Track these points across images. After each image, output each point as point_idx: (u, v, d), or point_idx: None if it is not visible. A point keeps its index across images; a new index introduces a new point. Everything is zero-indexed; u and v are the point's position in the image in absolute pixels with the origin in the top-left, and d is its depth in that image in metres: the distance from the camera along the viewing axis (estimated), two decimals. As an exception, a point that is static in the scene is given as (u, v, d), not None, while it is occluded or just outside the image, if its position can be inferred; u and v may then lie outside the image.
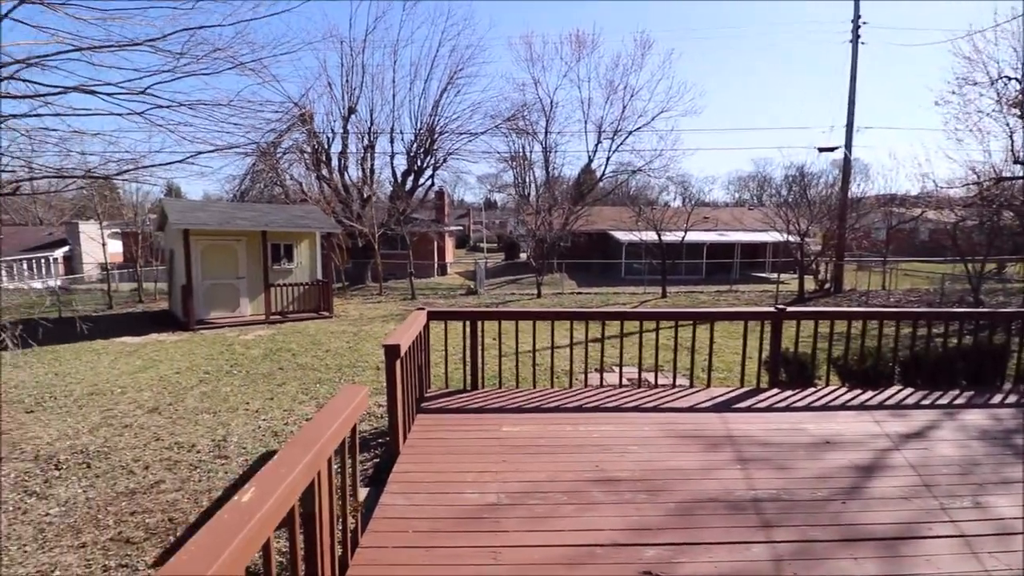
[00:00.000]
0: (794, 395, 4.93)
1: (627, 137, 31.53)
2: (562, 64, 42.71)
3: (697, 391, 5.07)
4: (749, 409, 4.62)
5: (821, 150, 19.28)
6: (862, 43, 18.79)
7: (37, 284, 21.26)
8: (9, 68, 4.73)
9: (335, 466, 2.25)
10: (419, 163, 26.38)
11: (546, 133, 31.63)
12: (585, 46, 31.96)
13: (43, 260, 26.21)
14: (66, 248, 27.79)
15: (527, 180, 34.75)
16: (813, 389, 5.09)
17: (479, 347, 5.24)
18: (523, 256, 35.01)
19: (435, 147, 26.30)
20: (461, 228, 48.59)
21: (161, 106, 4.78)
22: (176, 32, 4.74)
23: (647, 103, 41.83)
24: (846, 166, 19.38)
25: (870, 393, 4.93)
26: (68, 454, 5.27)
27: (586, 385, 5.42)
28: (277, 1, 5.04)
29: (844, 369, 5.52)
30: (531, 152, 33.10)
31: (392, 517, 2.96)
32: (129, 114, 4.71)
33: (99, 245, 19.52)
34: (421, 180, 26.96)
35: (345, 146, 25.21)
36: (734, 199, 62.91)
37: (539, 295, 19.22)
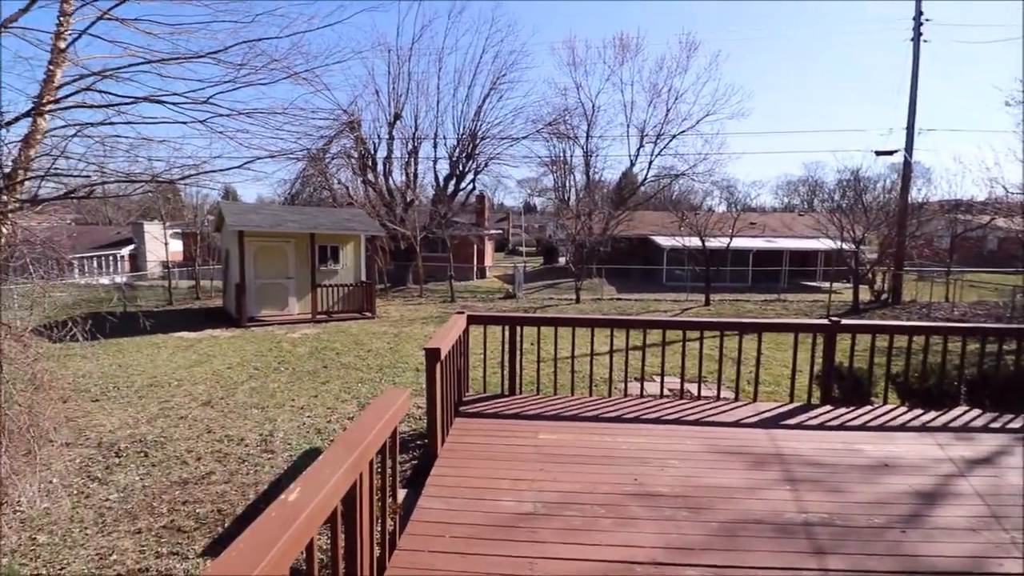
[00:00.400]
0: (848, 413, 4.68)
1: (670, 141, 30.89)
2: (605, 68, 42.24)
3: (743, 405, 4.89)
4: (799, 426, 4.42)
5: (879, 153, 18.34)
6: (924, 41, 17.80)
7: (105, 280, 22.72)
8: (87, 80, 5.07)
9: (376, 468, 2.28)
10: (461, 167, 26.72)
11: (587, 137, 31.41)
12: (629, 50, 31.55)
13: (111, 257, 28.00)
14: (132, 246, 29.61)
15: (567, 184, 34.61)
16: (869, 407, 4.82)
17: (518, 352, 5.24)
18: (562, 260, 34.87)
19: (477, 152, 26.57)
20: (500, 232, 48.86)
21: (222, 115, 5.01)
22: (237, 44, 4.97)
23: (692, 106, 40.85)
24: (906, 170, 18.36)
25: (933, 414, 4.63)
26: (128, 442, 5.59)
27: (625, 395, 5.33)
28: (331, 12, 5.21)
29: (904, 387, 5.21)
30: (572, 156, 32.94)
31: (429, 521, 2.99)
32: (192, 122, 4.97)
33: (162, 244, 20.70)
34: (462, 184, 27.31)
35: (390, 151, 25.83)
36: (783, 204, 60.66)
37: (578, 300, 19.07)
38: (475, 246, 28.50)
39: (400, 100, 25.34)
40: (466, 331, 5.02)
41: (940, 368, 5.10)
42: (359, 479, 2.04)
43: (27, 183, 5.35)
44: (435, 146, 26.86)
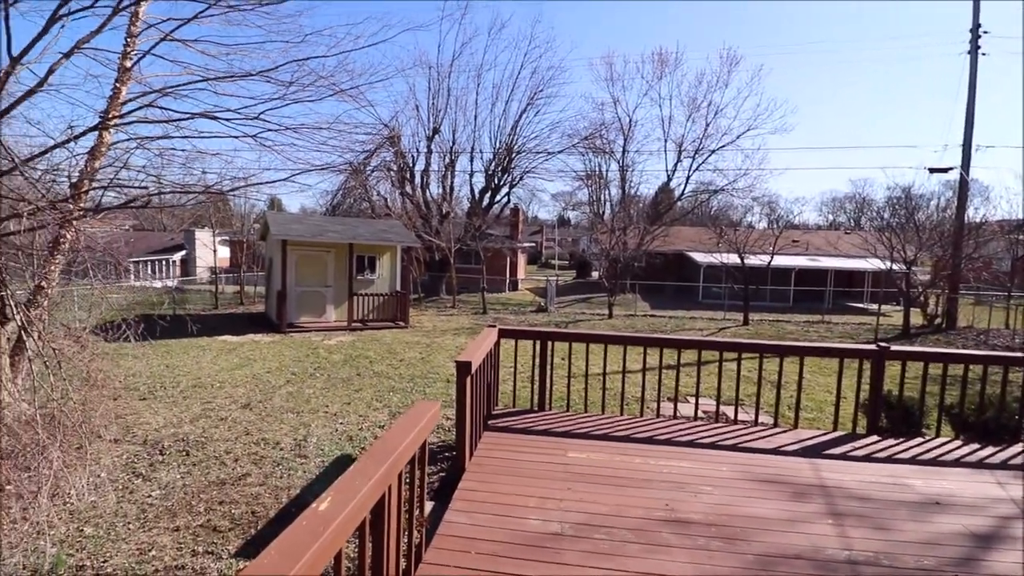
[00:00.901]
0: (897, 444, 4.44)
1: (709, 156, 30.34)
2: (643, 83, 41.97)
3: (782, 431, 4.70)
4: (843, 456, 4.21)
5: (932, 171, 17.51)
6: (982, 54, 17.01)
7: (158, 284, 23.89)
8: (149, 97, 5.40)
9: (405, 479, 2.30)
10: (496, 181, 26.96)
11: (623, 152, 31.21)
12: (668, 64, 31.24)
13: (164, 262, 29.45)
14: (183, 252, 31.09)
15: (602, 198, 34.41)
16: (920, 439, 4.56)
17: (548, 367, 5.21)
18: (595, 275, 34.59)
19: (512, 165, 26.78)
20: (533, 245, 48.95)
21: (271, 129, 5.24)
22: (287, 63, 5.22)
23: (732, 121, 39.90)
24: (962, 188, 17.49)
25: (991, 449, 4.33)
26: (171, 441, 5.81)
27: (658, 415, 5.21)
28: (376, 32, 5.40)
29: (959, 419, 4.91)
30: (607, 170, 32.78)
31: (455, 535, 2.98)
32: (243, 137, 5.20)
33: (210, 251, 21.64)
34: (497, 197, 27.51)
35: (428, 164, 26.31)
36: (828, 222, 58.61)
37: (610, 316, 18.85)
38: (508, 259, 28.62)
39: (439, 115, 25.88)
40: (497, 344, 5.03)
41: (999, 400, 4.79)
42: (388, 491, 2.06)
43: (91, 192, 5.70)
44: (471, 160, 27.31)
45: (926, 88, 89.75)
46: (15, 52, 4.58)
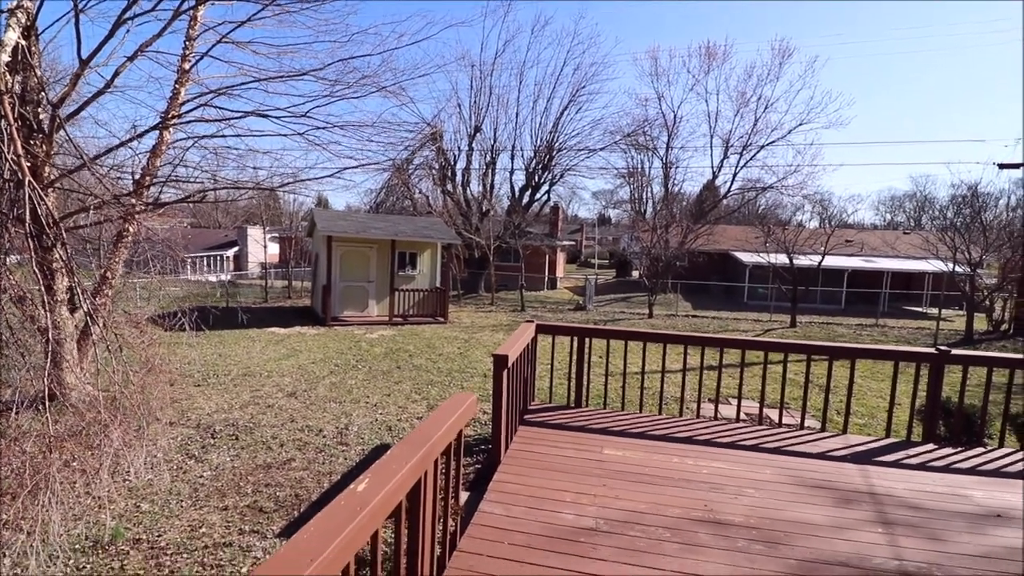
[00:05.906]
0: (956, 454, 4.18)
1: (758, 152, 29.41)
2: (689, 77, 40.94)
3: (830, 436, 4.51)
4: (896, 464, 4.01)
5: (1002, 167, 16.37)
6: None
7: (212, 278, 25.10)
8: (205, 97, 5.67)
9: (440, 468, 2.34)
10: (536, 179, 26.95)
11: (667, 148, 30.61)
12: (715, 58, 30.50)
13: (218, 257, 30.89)
14: (236, 248, 32.50)
15: (644, 196, 33.88)
16: (982, 449, 4.29)
17: (586, 364, 5.17)
18: (635, 274, 34.09)
19: (553, 163, 26.71)
20: (573, 243, 48.61)
21: (318, 127, 5.42)
22: (334, 63, 5.38)
23: (783, 115, 38.62)
24: (1038, 186, 16.24)
25: (1064, 463, 4.02)
26: (222, 426, 6.10)
27: (698, 416, 5.09)
28: (419, 29, 5.50)
29: (1027, 430, 4.58)
30: (650, 168, 32.23)
31: (490, 526, 3.01)
32: (292, 134, 5.40)
33: (261, 247, 22.56)
34: (537, 195, 27.52)
35: (469, 162, 26.57)
36: (885, 221, 55.63)
37: (651, 315, 18.54)
38: (547, 257, 28.57)
39: (481, 113, 26.09)
40: (534, 340, 5.03)
41: (1075, 411, 4.44)
42: (424, 477, 2.09)
43: (151, 188, 6.04)
44: (512, 158, 27.33)
45: (996, 79, 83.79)
46: (84, 55, 4.90)
